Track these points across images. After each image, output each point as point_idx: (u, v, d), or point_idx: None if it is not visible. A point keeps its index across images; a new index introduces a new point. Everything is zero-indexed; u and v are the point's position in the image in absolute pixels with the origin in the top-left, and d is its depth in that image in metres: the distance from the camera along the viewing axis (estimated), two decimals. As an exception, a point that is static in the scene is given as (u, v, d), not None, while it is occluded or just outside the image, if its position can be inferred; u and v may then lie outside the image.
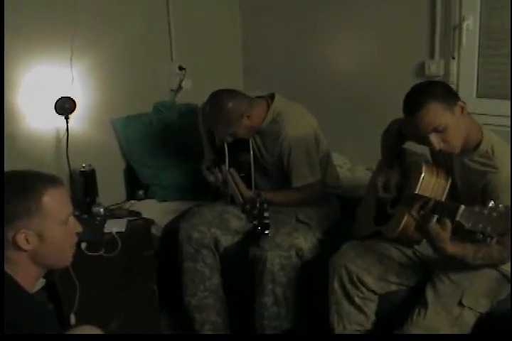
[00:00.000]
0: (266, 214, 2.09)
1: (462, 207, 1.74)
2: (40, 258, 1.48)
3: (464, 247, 1.90)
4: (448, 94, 1.99)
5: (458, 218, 1.75)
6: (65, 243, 1.53)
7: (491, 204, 1.67)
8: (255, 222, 2.12)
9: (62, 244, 1.52)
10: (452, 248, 1.89)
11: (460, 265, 1.98)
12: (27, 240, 1.43)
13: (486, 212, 1.67)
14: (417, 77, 3.01)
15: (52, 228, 1.47)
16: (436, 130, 1.96)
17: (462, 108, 1.99)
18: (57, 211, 1.48)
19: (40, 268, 1.51)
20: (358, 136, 3.28)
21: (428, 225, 1.86)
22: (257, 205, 2.12)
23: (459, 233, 1.83)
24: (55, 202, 1.47)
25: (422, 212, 1.89)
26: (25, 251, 1.44)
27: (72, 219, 1.55)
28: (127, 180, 3.26)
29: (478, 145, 2.04)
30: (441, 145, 1.99)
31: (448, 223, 1.82)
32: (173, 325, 2.91)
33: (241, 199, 2.40)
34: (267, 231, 2.11)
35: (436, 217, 1.86)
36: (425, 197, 1.97)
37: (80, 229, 1.58)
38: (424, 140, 2.01)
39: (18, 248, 1.43)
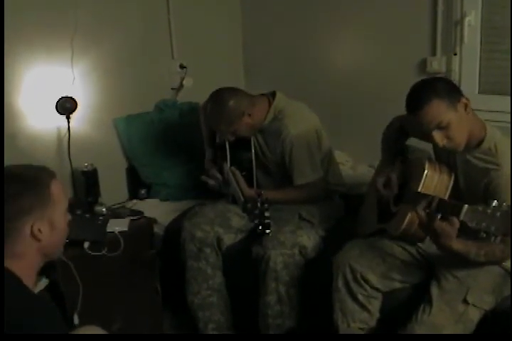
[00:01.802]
0: (267, 214, 2.09)
1: (466, 206, 1.74)
2: (48, 247, 1.52)
3: (466, 244, 1.90)
4: (451, 91, 1.98)
5: (462, 217, 1.75)
6: (66, 231, 1.58)
7: (495, 203, 1.66)
8: (256, 222, 2.12)
9: (65, 233, 1.58)
10: (457, 244, 1.88)
11: (464, 262, 1.97)
12: (39, 230, 1.47)
13: (489, 211, 1.66)
14: (419, 74, 3.01)
15: (61, 216, 1.53)
16: (439, 127, 1.96)
17: (466, 105, 1.98)
18: (62, 199, 1.54)
19: (42, 259, 1.54)
20: (360, 133, 3.27)
21: (434, 223, 1.85)
22: (258, 205, 2.11)
23: (463, 231, 1.83)
24: (60, 192, 1.52)
25: (427, 210, 1.88)
26: (40, 241, 1.47)
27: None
28: (129, 180, 3.25)
29: (481, 142, 2.04)
30: (444, 142, 1.99)
31: (455, 220, 1.81)
32: (176, 323, 2.91)
33: (242, 199, 2.39)
34: (268, 231, 2.11)
35: (440, 214, 1.85)
36: (429, 195, 1.96)
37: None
38: (427, 137, 2.00)
39: (35, 239, 1.46)
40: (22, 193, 1.44)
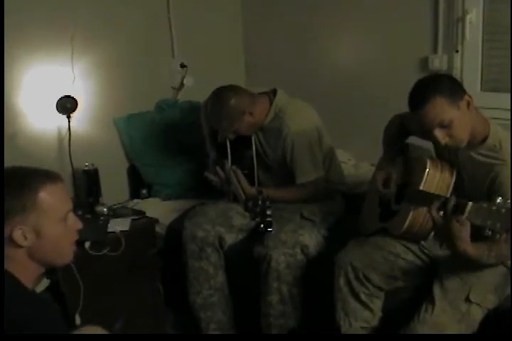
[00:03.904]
0: (268, 212, 2.08)
1: (470, 203, 1.72)
2: (38, 254, 1.47)
3: (479, 247, 1.85)
4: (454, 88, 1.96)
5: (466, 215, 1.73)
6: (63, 240, 1.51)
7: (499, 200, 1.64)
8: (258, 220, 2.11)
9: (61, 241, 1.51)
10: (471, 249, 1.83)
11: (467, 261, 1.95)
12: (24, 236, 1.42)
13: (494, 208, 1.64)
14: (420, 72, 2.99)
15: (50, 224, 1.46)
16: (441, 125, 1.94)
17: (468, 102, 1.96)
18: (55, 207, 1.46)
19: (38, 264, 1.50)
20: (362, 131, 3.26)
21: (450, 225, 1.80)
22: (260, 203, 2.10)
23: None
24: (53, 199, 1.46)
25: (441, 211, 1.85)
26: (22, 247, 1.44)
27: (72, 216, 1.53)
28: (130, 179, 3.25)
29: (485, 139, 2.02)
30: (446, 140, 1.97)
31: (467, 221, 1.76)
32: (178, 323, 2.91)
33: (243, 197, 2.38)
34: (270, 229, 2.10)
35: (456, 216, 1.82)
36: (435, 194, 1.94)
37: (80, 226, 1.56)
38: (428, 134, 1.99)
39: (15, 244, 1.42)
40: (5, 197, 1.40)
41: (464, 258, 1.89)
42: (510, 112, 2.73)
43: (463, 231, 1.80)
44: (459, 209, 1.76)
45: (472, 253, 1.85)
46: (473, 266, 1.96)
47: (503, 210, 1.62)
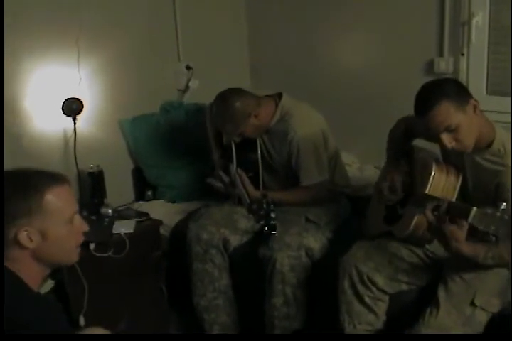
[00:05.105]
0: (273, 215, 2.08)
1: (474, 209, 1.73)
2: (43, 256, 1.47)
3: (475, 247, 1.88)
4: (460, 93, 1.96)
5: (470, 220, 1.73)
6: (69, 241, 1.51)
7: (503, 206, 1.65)
8: (262, 223, 2.11)
9: (67, 243, 1.50)
10: (466, 248, 1.86)
11: (472, 264, 1.96)
12: (30, 238, 1.42)
13: (498, 214, 1.65)
14: (426, 75, 2.99)
15: (56, 226, 1.46)
16: (447, 129, 1.94)
17: (475, 106, 1.96)
18: (61, 209, 1.46)
19: (43, 266, 1.50)
20: (367, 134, 3.25)
21: (443, 226, 1.83)
22: (264, 206, 2.10)
23: (471, 234, 1.82)
24: (59, 201, 1.45)
25: (436, 213, 1.87)
26: (27, 249, 1.43)
27: (78, 218, 1.53)
28: (135, 181, 3.24)
29: (490, 143, 2.02)
30: (452, 144, 1.97)
31: (464, 223, 1.80)
32: (182, 325, 2.90)
33: (248, 200, 2.38)
34: (274, 232, 2.10)
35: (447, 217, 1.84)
36: (437, 198, 1.94)
37: (86, 228, 1.56)
38: (435, 138, 1.99)
39: (20, 246, 1.42)
40: (9, 198, 1.40)
41: (459, 257, 1.91)
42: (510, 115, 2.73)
43: (458, 232, 1.82)
44: (463, 213, 1.76)
45: (466, 251, 1.88)
46: (476, 267, 1.96)
47: (506, 216, 1.63)
